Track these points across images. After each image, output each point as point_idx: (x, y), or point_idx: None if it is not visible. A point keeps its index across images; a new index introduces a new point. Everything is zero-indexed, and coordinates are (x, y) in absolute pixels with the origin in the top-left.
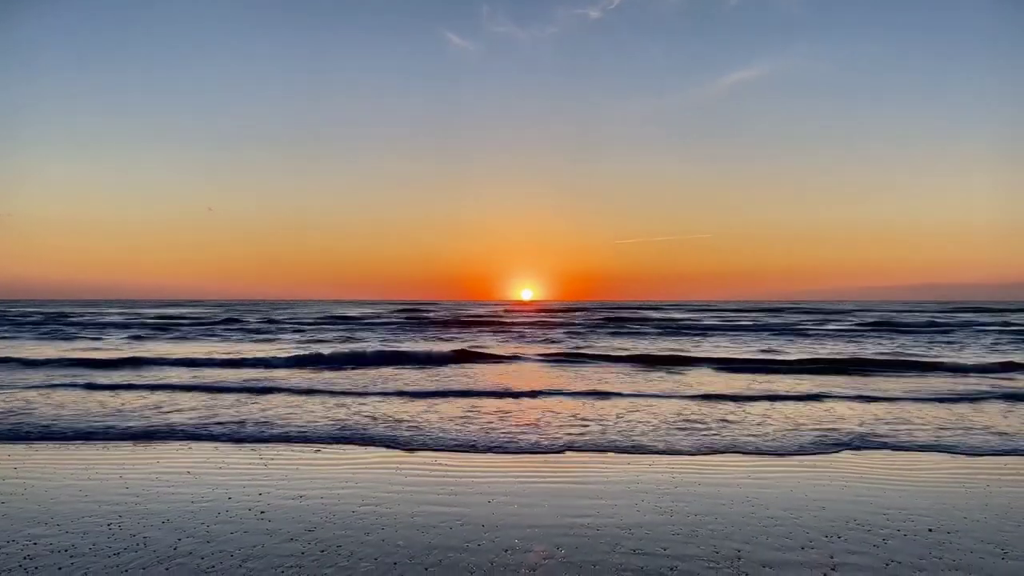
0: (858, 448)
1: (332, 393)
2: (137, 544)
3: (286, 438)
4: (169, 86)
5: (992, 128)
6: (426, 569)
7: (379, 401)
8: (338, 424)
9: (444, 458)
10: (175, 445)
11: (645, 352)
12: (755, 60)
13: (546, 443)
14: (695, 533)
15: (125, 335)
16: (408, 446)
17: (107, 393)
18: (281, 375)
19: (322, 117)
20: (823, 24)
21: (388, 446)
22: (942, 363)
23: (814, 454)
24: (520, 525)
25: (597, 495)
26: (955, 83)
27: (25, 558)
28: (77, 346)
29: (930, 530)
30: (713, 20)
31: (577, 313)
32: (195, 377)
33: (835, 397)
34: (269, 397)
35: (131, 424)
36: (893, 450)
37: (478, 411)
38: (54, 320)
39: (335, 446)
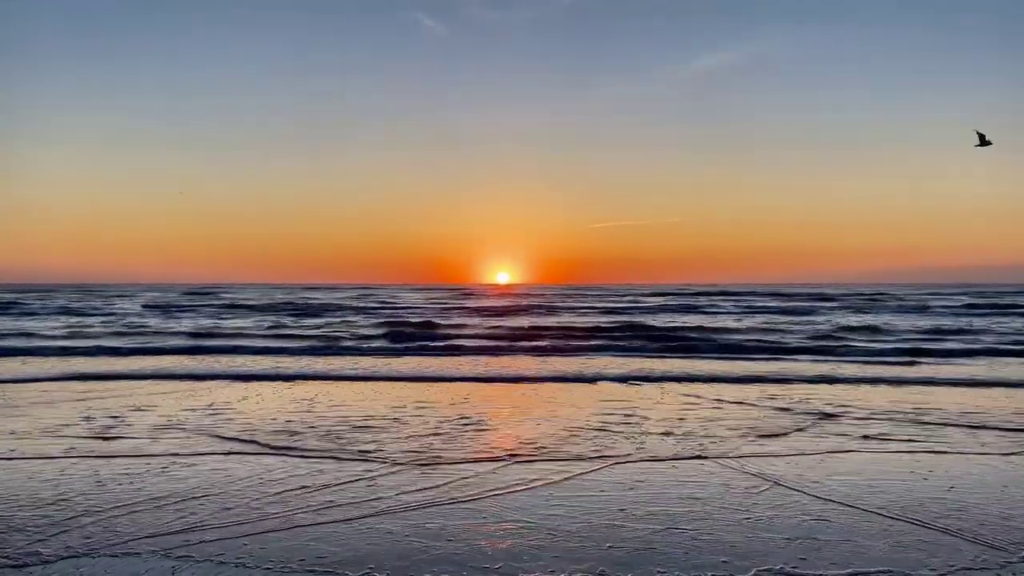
0: None
1: None
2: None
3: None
4: (140, 73)
5: (973, 116)
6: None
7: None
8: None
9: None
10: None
11: None
12: (731, 44)
13: None
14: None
15: None
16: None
17: None
18: None
19: (289, 101)
20: (801, 9)
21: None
22: None
23: None
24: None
25: None
26: (936, 66)
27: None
28: None
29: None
30: (688, 4)
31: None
32: None
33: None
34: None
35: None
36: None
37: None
38: None
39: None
